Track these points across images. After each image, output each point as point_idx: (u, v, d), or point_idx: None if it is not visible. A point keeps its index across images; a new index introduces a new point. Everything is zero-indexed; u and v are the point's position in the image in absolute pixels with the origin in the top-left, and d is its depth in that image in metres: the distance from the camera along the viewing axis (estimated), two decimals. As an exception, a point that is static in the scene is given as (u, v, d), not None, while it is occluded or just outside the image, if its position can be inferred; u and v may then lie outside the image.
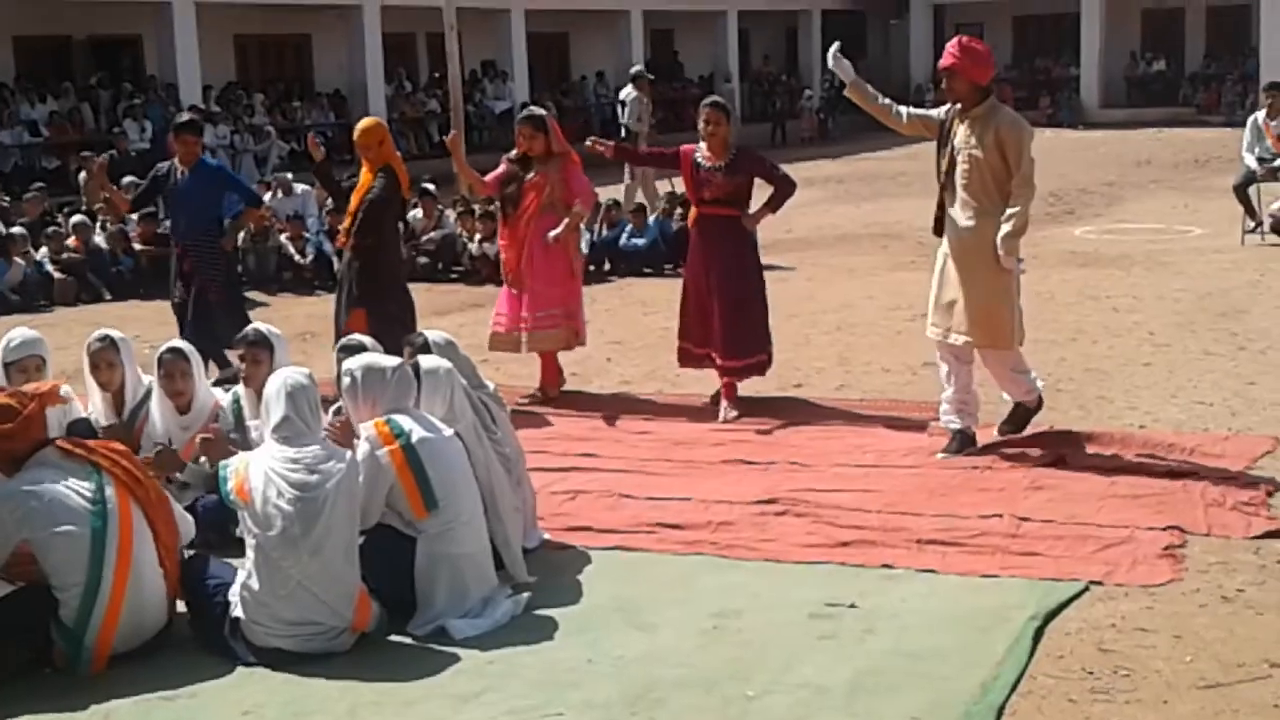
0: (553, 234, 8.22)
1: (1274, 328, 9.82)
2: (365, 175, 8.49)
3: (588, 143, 8.56)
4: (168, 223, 13.57)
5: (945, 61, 6.73)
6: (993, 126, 6.63)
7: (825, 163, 26.62)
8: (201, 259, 8.92)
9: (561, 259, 8.38)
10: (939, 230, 6.92)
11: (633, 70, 18.77)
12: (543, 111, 8.76)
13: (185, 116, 9.67)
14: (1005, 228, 6.56)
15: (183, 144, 9.03)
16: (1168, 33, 36.12)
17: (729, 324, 7.90)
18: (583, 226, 9.36)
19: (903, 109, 7.10)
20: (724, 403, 7.97)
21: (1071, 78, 36.04)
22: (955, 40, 6.87)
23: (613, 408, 8.30)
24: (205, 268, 8.93)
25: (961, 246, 6.74)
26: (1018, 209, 6.56)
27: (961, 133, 6.73)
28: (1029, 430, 7.12)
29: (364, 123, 8.85)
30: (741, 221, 8.00)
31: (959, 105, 6.75)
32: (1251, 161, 14.19)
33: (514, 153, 8.54)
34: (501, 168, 8.59)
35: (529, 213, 8.34)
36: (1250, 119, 14.76)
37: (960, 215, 6.73)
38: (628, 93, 17.95)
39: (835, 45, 7.24)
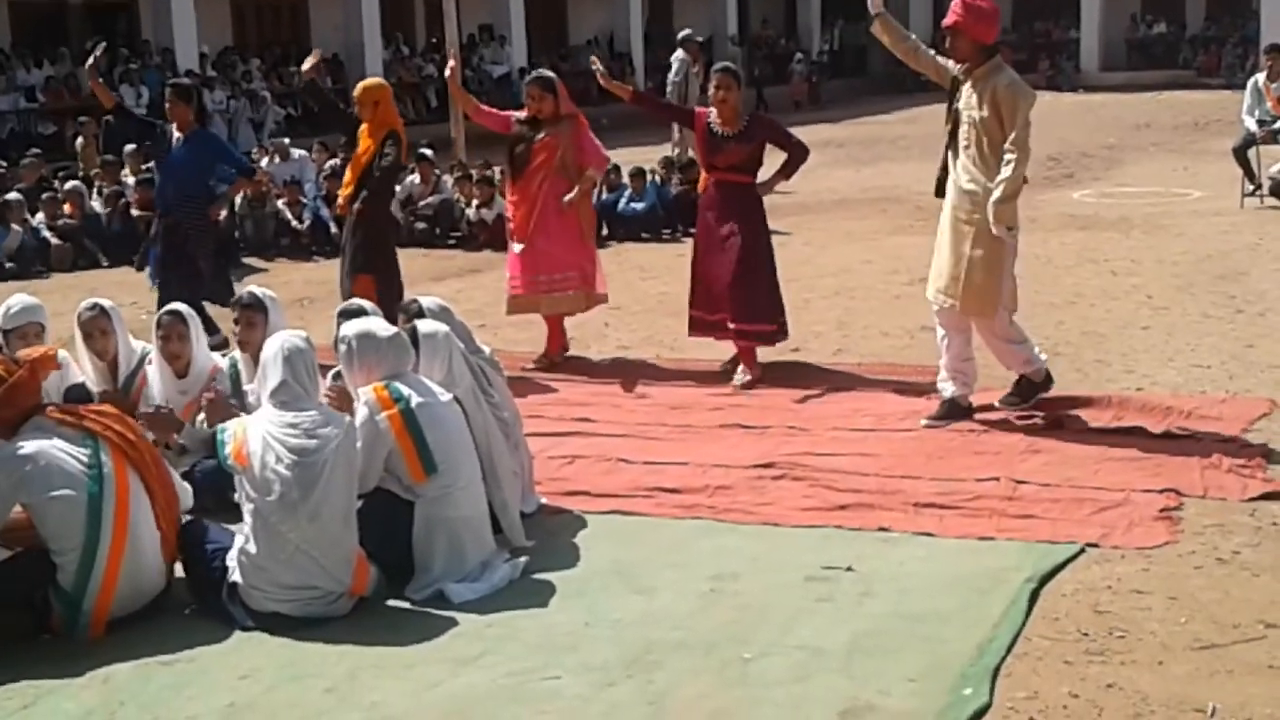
0: (567, 198, 8.22)
1: (1272, 290, 9.81)
2: (365, 140, 8.45)
3: (597, 70, 8.47)
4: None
5: (949, 20, 6.59)
6: (991, 87, 6.51)
7: (824, 127, 26.49)
8: (190, 227, 8.88)
9: (573, 221, 8.37)
10: (940, 191, 6.84)
11: (681, 34, 18.59)
12: (551, 74, 8.70)
13: (180, 82, 9.60)
14: (995, 193, 6.43)
15: (173, 108, 8.96)
16: (1168, -5, 35.97)
17: (741, 287, 7.85)
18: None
19: (928, 49, 6.93)
20: (741, 366, 7.93)
21: (1071, 40, 35.89)
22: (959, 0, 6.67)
23: (611, 374, 8.29)
24: (195, 237, 8.88)
25: (955, 209, 6.66)
26: (1008, 175, 6.41)
27: (965, 93, 6.63)
28: (1018, 372, 7.02)
29: (366, 81, 8.86)
30: (754, 188, 7.95)
31: (964, 65, 6.64)
32: (1251, 124, 14.15)
33: (522, 114, 8.50)
34: (505, 116, 8.61)
35: (540, 174, 8.30)
36: (1250, 81, 14.72)
37: (960, 178, 6.64)
38: (676, 56, 17.85)
39: None
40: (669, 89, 17.63)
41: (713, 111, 7.94)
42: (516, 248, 8.44)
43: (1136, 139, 21.80)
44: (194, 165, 8.93)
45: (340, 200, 8.73)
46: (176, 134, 8.95)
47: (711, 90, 7.95)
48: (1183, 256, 11.34)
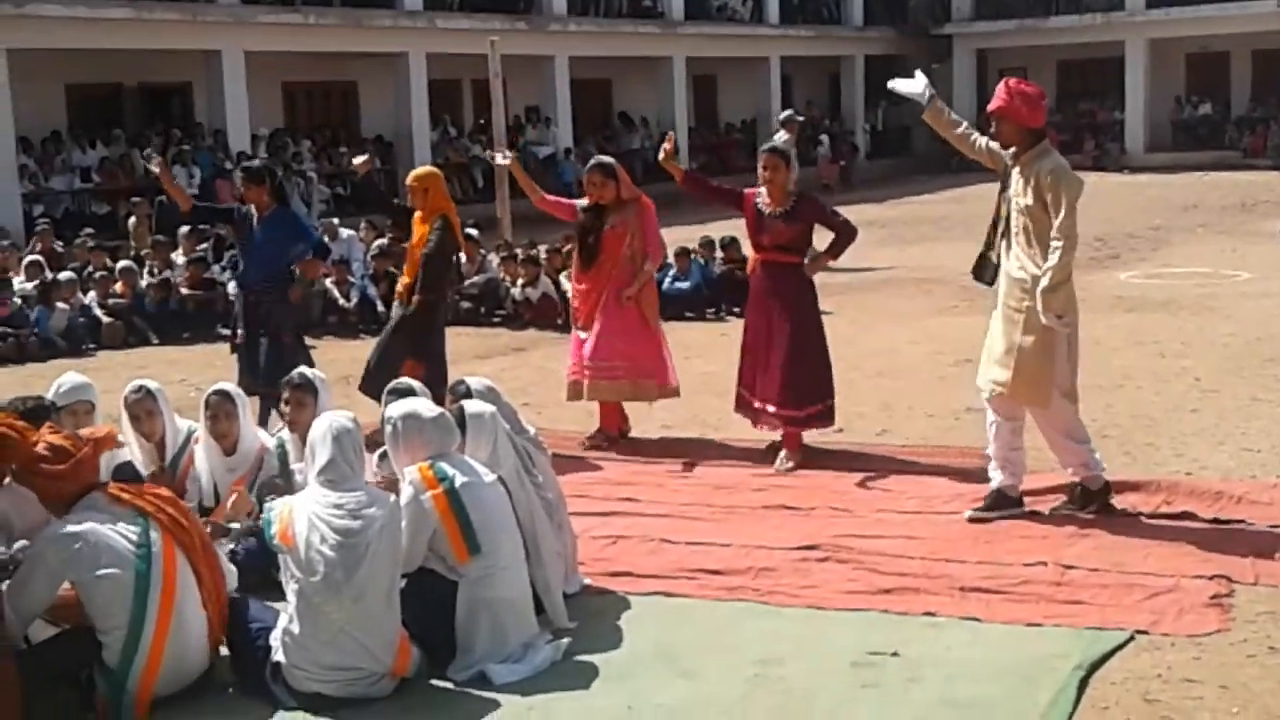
0: (627, 293, 8.26)
1: (1323, 373, 9.71)
2: (419, 228, 8.56)
3: (663, 149, 8.39)
4: (225, 271, 13.81)
5: (995, 104, 6.51)
6: (1036, 172, 6.40)
7: (868, 206, 26.57)
8: (275, 304, 8.92)
9: (634, 311, 8.36)
10: (977, 274, 6.78)
11: (783, 115, 18.76)
12: (610, 160, 8.67)
13: (251, 164, 9.70)
14: (1043, 281, 6.27)
15: (249, 191, 9.01)
16: (1213, 76, 36.00)
17: (789, 373, 7.80)
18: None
19: (980, 137, 6.82)
20: (784, 451, 7.86)
21: (1116, 121, 35.94)
22: (1005, 82, 6.57)
23: (656, 453, 8.28)
24: (278, 313, 8.91)
25: (1006, 298, 6.53)
26: (1055, 263, 6.22)
27: (1014, 179, 6.51)
28: (1069, 477, 6.78)
29: (417, 170, 8.98)
30: (803, 268, 7.95)
31: (1012, 150, 6.55)
32: (1299, 205, 14.10)
33: (584, 202, 8.51)
34: (569, 204, 8.67)
35: (609, 263, 8.32)
36: (1297, 163, 14.68)
37: (1010, 265, 6.51)
38: (779, 137, 17.94)
39: (920, 79, 7.01)
40: None
41: (761, 191, 7.97)
42: (581, 334, 8.44)
43: (1183, 220, 21.73)
44: (274, 245, 8.92)
45: (400, 289, 8.79)
46: (255, 213, 8.99)
47: (760, 170, 7.98)
48: (1232, 339, 11.25)
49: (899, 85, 7.05)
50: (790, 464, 7.77)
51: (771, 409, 7.87)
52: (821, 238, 8.07)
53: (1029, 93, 6.50)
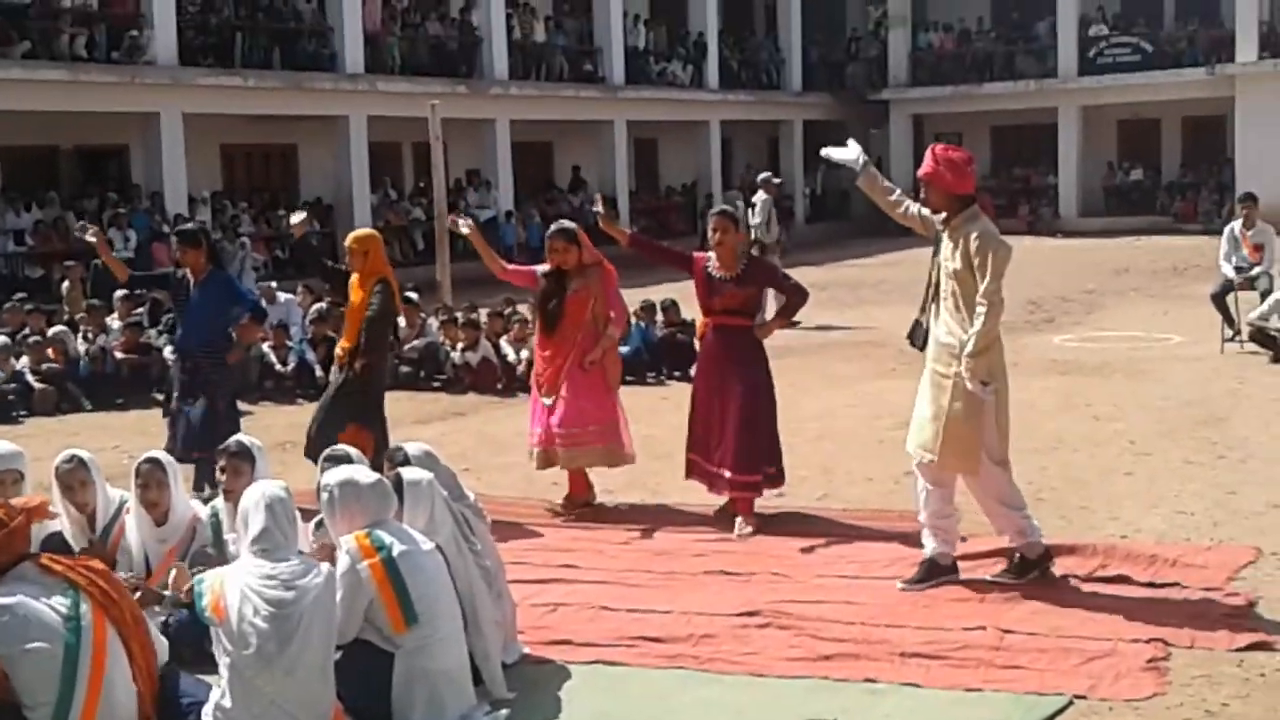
0: (589, 359, 8.21)
1: (1254, 436, 9.85)
2: (356, 291, 8.51)
3: (597, 212, 8.39)
4: (161, 336, 13.64)
5: (923, 171, 6.54)
6: (964, 237, 6.39)
7: (807, 269, 26.75)
8: (210, 370, 8.83)
9: (598, 376, 8.34)
10: (913, 341, 6.76)
11: (760, 176, 18.93)
12: (572, 225, 8.64)
13: (186, 228, 9.64)
14: (967, 346, 6.27)
15: (185, 254, 8.93)
16: (1144, 142, 36.68)
17: (743, 438, 7.77)
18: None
19: (915, 206, 6.79)
20: (739, 518, 7.81)
21: (1050, 186, 36.51)
22: (932, 149, 6.61)
23: (595, 519, 8.25)
24: (213, 378, 8.83)
25: (934, 363, 6.52)
26: (979, 329, 6.23)
27: (944, 243, 6.51)
28: (1007, 542, 6.75)
29: (356, 231, 8.96)
30: (754, 332, 7.95)
31: (942, 215, 6.56)
32: (1229, 270, 14.38)
33: (545, 267, 8.46)
34: (529, 271, 8.63)
35: (572, 328, 8.29)
36: (1227, 228, 15.00)
37: (938, 330, 6.52)
38: (758, 197, 18.07)
39: (854, 147, 7.05)
40: (753, 232, 17.86)
41: (711, 255, 7.96)
42: (545, 401, 8.37)
43: (1116, 284, 22.06)
44: (211, 308, 8.86)
45: (339, 353, 8.69)
46: (190, 278, 8.89)
47: (710, 233, 7.96)
48: (1164, 402, 11.40)
49: (833, 153, 7.08)
50: (749, 529, 7.72)
51: (727, 474, 7.84)
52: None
53: (955, 159, 6.51)
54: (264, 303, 15.19)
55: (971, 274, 6.35)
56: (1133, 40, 35.54)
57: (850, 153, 6.98)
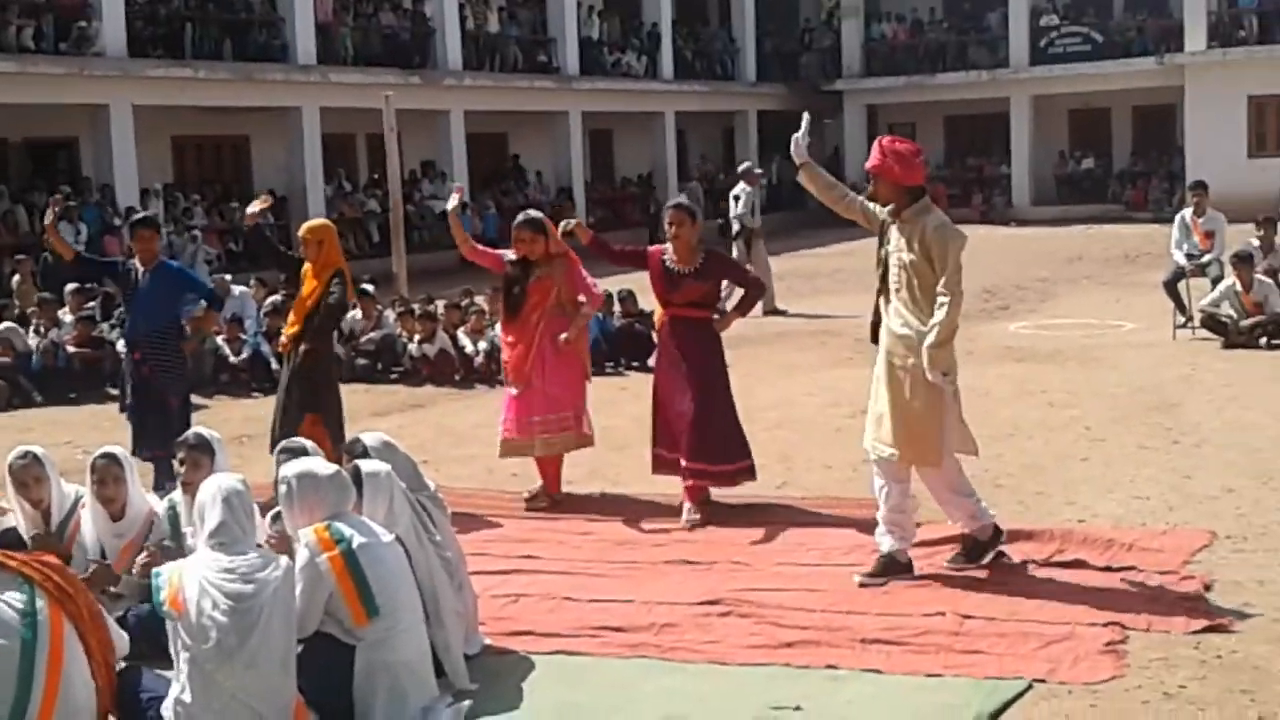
0: (564, 336, 8.16)
1: (1206, 421, 9.95)
2: (310, 281, 8.45)
3: (569, 223, 8.29)
4: (114, 329, 13.47)
5: (871, 163, 6.46)
6: (920, 228, 6.35)
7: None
8: (160, 362, 8.72)
9: (574, 360, 8.33)
10: (875, 337, 6.64)
11: (742, 166, 19.01)
12: (539, 214, 8.61)
13: (146, 215, 9.53)
14: (929, 338, 6.23)
15: (140, 241, 8.84)
16: (1095, 131, 36.98)
17: (698, 426, 7.76)
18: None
19: (859, 199, 6.76)
20: (687, 504, 7.81)
21: (1003, 176, 36.75)
22: (879, 141, 6.52)
23: (555, 510, 8.24)
24: (164, 371, 8.73)
25: (890, 355, 6.46)
26: (942, 319, 6.18)
27: (893, 236, 6.45)
28: (962, 529, 6.75)
29: (311, 221, 8.89)
30: (712, 325, 7.93)
31: (890, 207, 6.51)
32: (1180, 258, 14.52)
33: (511, 255, 8.43)
34: (496, 255, 8.57)
35: (535, 314, 8.25)
36: (1178, 216, 15.15)
37: (893, 322, 6.46)
38: (741, 188, 18.16)
39: (805, 118, 7.01)
40: (735, 222, 18.04)
41: (669, 248, 7.94)
42: (513, 390, 8.34)
43: (1069, 272, 22.24)
44: (161, 297, 8.75)
45: (284, 339, 8.66)
46: (140, 268, 8.81)
47: (666, 226, 7.94)
48: (1118, 388, 11.50)
49: (794, 145, 6.99)
50: (696, 516, 7.73)
51: (682, 462, 7.84)
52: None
53: (902, 151, 6.44)
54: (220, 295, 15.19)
55: (929, 265, 6.32)
56: (1083, 30, 35.82)
57: (796, 148, 6.91)
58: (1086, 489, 8.16)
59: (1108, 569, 6.53)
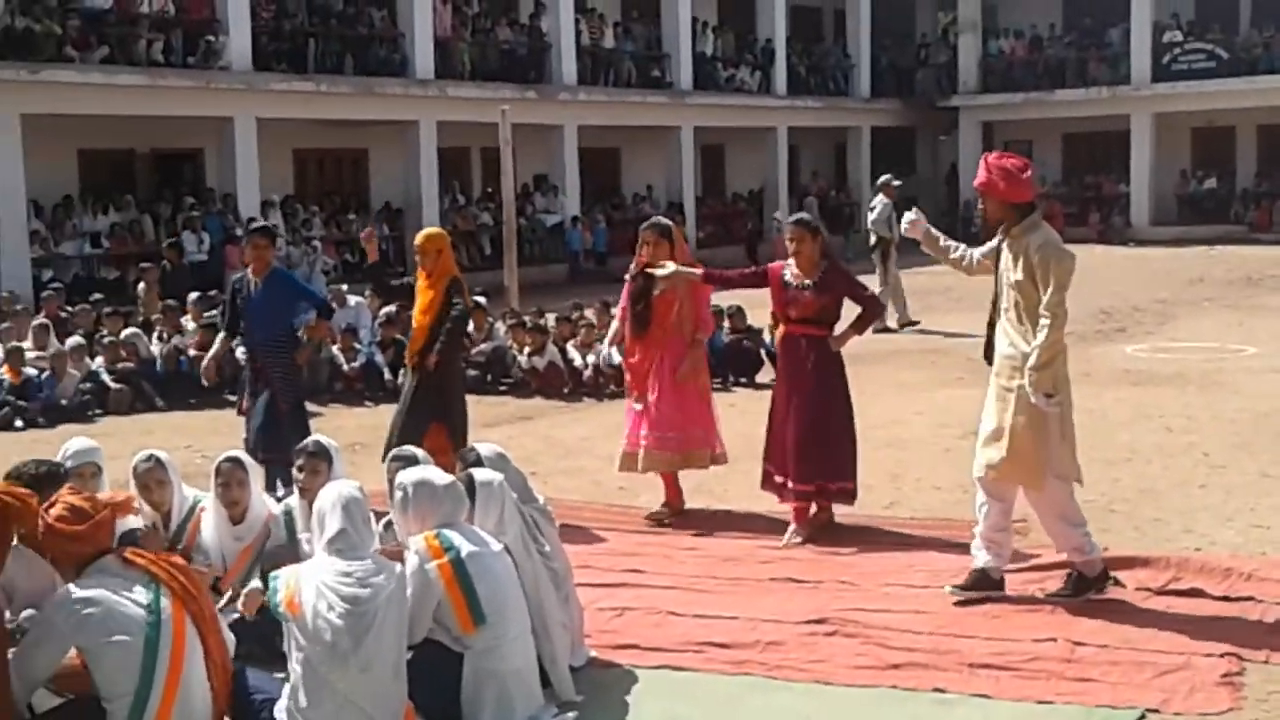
0: (680, 373, 8.20)
1: (1332, 449, 9.68)
2: (425, 292, 8.48)
3: (666, 270, 8.02)
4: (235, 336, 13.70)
5: (977, 181, 6.43)
6: (1025, 247, 6.28)
7: (874, 277, 26.60)
8: (275, 369, 8.84)
9: (690, 384, 8.32)
10: (989, 356, 6.59)
11: (880, 180, 19.25)
12: (668, 221, 8.62)
13: (263, 224, 9.71)
14: (1030, 360, 6.17)
15: (254, 249, 8.98)
16: (1219, 150, 36.18)
17: (805, 445, 7.68)
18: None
19: (974, 253, 6.74)
20: (792, 525, 7.77)
21: (1122, 194, 36.09)
22: (984, 157, 6.48)
23: (711, 527, 8.20)
24: (278, 378, 8.84)
25: (998, 375, 6.41)
26: (1043, 341, 6.13)
27: (1005, 255, 6.41)
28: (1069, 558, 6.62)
29: (427, 230, 8.98)
30: (828, 342, 7.83)
31: (1001, 225, 6.43)
32: (1306, 280, 14.16)
33: (633, 268, 8.44)
34: (625, 292, 8.54)
35: (660, 331, 8.27)
36: (1303, 238, 14.75)
37: (1000, 342, 6.42)
38: (878, 200, 18.42)
39: (912, 213, 6.96)
40: (871, 234, 18.34)
41: (790, 263, 7.88)
42: (636, 406, 8.37)
43: (1189, 293, 21.78)
44: (275, 305, 8.87)
45: (410, 355, 8.63)
46: (252, 277, 8.93)
47: (787, 241, 7.88)
48: (1239, 414, 11.24)
49: (906, 227, 6.97)
50: (799, 538, 7.70)
51: (789, 484, 7.77)
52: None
53: (1008, 167, 6.38)
54: (335, 306, 15.48)
55: (1034, 284, 6.25)
56: (1207, 46, 35.06)
57: (915, 228, 6.87)
58: (1205, 516, 7.99)
59: (1225, 598, 6.39)
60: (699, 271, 8.10)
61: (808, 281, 7.77)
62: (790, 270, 7.84)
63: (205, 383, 9.66)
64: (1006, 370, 6.38)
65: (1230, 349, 15.31)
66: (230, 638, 5.14)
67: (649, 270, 8.19)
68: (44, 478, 5.35)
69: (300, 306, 9.45)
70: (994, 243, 6.56)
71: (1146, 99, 35.00)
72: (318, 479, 6.10)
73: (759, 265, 8.39)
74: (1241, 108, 33.98)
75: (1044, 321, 6.18)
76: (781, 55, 34.57)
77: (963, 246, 6.90)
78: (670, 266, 7.94)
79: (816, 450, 7.71)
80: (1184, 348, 15.61)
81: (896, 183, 19.33)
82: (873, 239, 18.29)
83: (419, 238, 8.71)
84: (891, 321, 17.91)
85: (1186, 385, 12.87)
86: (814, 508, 7.90)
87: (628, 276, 8.53)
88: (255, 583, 5.83)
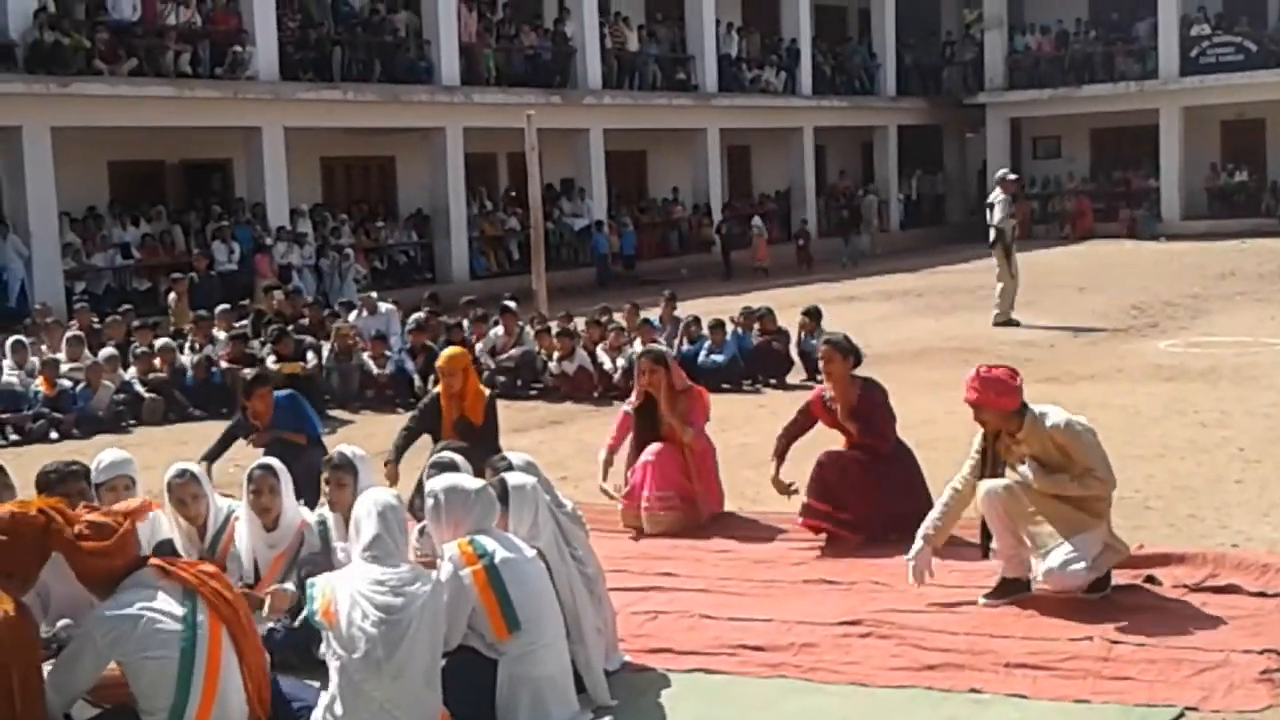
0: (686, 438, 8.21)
1: (1368, 443, 9.60)
2: (454, 411, 8.39)
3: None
4: (264, 346, 13.66)
5: (968, 398, 6.53)
6: (1045, 437, 6.34)
7: (903, 276, 26.63)
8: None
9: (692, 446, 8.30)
10: (986, 551, 6.68)
11: (998, 174, 19.30)
12: (664, 349, 8.64)
13: (256, 372, 9.44)
14: (1063, 482, 6.29)
15: (258, 401, 8.76)
16: (1248, 143, 35.96)
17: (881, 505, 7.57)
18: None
19: (962, 490, 6.70)
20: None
21: (1151, 189, 35.88)
22: (974, 374, 6.56)
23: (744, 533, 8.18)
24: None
25: (1008, 489, 6.45)
26: (1080, 485, 6.26)
27: (1016, 451, 6.48)
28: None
29: (450, 351, 8.93)
30: (891, 453, 7.76)
31: (995, 434, 6.55)
32: (1339, 273, 14.04)
33: (633, 399, 8.46)
34: (621, 418, 8.52)
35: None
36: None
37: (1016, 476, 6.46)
38: (995, 195, 18.51)
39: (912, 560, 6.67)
40: (991, 230, 18.37)
41: (828, 387, 7.86)
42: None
43: (1221, 288, 21.62)
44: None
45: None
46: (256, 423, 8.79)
47: (821, 365, 7.92)
48: (1274, 408, 11.15)
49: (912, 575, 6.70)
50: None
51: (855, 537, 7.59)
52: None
53: (996, 380, 6.49)
54: (365, 314, 15.56)
55: (1067, 459, 6.31)
56: (1235, 39, 34.87)
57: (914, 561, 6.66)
58: (1240, 512, 7.93)
59: (1262, 595, 6.33)
60: (779, 477, 7.91)
61: (844, 405, 7.73)
62: (828, 393, 7.85)
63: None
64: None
65: (1263, 342, 15.19)
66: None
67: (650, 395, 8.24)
68: (68, 475, 5.38)
69: (310, 417, 9.17)
70: (974, 460, 6.67)
71: (1175, 93, 34.82)
72: (344, 491, 6.13)
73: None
74: (1271, 100, 33.78)
75: (1093, 478, 6.26)
76: (806, 55, 34.56)
77: (946, 500, 6.78)
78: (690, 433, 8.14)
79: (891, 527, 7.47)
80: (1216, 342, 15.50)
81: (1012, 176, 19.36)
82: (992, 234, 18.29)
83: (442, 359, 8.65)
84: (1014, 315, 17.85)
85: (1219, 380, 12.78)
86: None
87: (626, 408, 8.52)
88: (279, 587, 5.85)
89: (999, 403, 6.46)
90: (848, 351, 7.80)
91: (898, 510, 7.44)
